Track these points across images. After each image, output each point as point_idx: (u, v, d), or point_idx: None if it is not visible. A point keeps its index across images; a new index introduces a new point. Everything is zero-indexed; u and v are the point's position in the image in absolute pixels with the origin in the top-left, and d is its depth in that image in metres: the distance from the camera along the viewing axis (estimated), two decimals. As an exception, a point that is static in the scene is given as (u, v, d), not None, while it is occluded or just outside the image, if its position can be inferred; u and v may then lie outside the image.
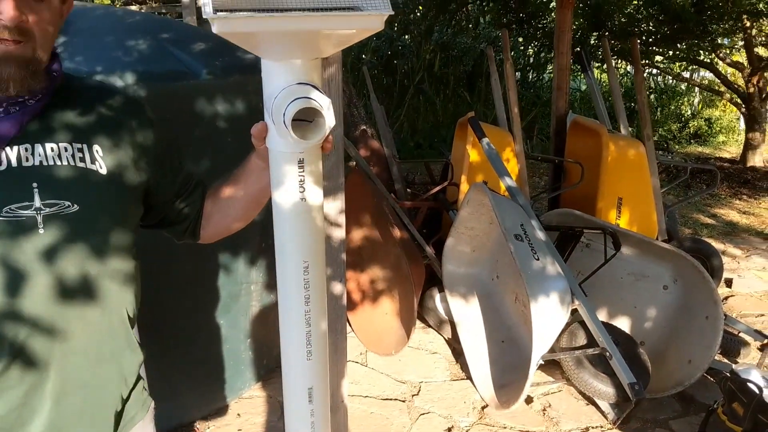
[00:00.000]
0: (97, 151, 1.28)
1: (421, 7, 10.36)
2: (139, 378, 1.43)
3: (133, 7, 6.95)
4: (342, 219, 2.42)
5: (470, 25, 11.05)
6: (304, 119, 1.14)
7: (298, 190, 1.24)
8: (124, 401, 1.37)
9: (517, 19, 9.07)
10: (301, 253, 1.30)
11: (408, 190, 4.83)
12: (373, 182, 4.11)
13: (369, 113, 6.61)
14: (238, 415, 3.15)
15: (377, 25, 1.12)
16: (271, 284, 3.29)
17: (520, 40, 10.34)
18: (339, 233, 2.41)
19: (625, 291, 3.68)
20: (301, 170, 1.23)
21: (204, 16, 1.04)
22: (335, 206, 2.39)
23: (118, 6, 7.12)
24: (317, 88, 1.16)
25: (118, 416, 1.35)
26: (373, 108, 5.30)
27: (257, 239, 3.16)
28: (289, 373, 1.44)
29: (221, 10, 1.03)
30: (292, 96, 1.12)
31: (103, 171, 1.27)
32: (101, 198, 1.27)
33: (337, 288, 2.45)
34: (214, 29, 1.04)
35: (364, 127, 5.06)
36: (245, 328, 3.19)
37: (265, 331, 3.37)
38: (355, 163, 4.21)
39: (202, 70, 2.71)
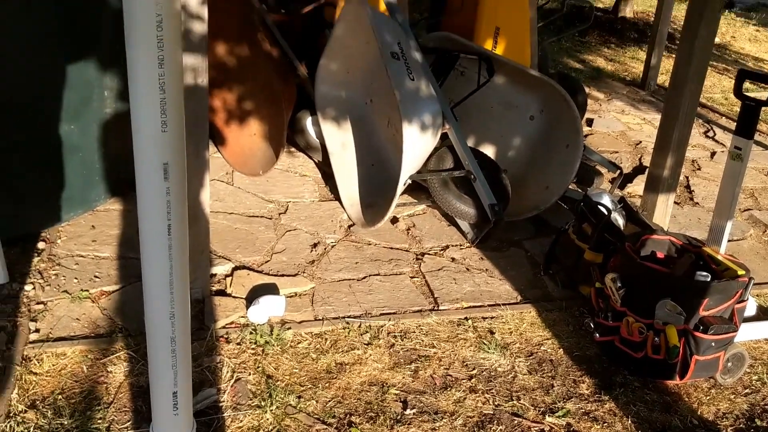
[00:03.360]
0: None
1: None
2: None
3: None
4: (204, 12, 2.20)
5: None
6: None
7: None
8: None
9: None
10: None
11: (282, 11, 4.53)
12: (243, -8, 3.79)
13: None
14: (93, 227, 2.99)
15: None
16: (126, 92, 3.04)
17: None
18: (200, 27, 2.20)
19: (494, 120, 3.72)
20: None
21: None
22: (197, -4, 2.16)
23: None
24: None
25: None
26: None
27: (109, 40, 2.86)
28: (142, 147, 1.32)
29: None
30: None
31: None
32: None
33: (199, 82, 2.27)
34: None
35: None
36: (98, 137, 2.96)
37: (122, 142, 3.14)
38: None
39: None
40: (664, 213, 3.55)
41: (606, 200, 3.10)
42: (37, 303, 2.49)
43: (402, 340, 2.52)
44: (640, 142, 4.90)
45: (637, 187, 4.00)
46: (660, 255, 2.66)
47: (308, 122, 3.85)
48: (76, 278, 2.65)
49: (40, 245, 2.80)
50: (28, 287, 2.56)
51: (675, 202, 3.76)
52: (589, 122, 5.13)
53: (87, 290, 2.58)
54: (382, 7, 3.58)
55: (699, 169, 4.56)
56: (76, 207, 2.99)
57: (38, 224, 2.86)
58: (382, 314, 2.67)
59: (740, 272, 2.42)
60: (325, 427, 2.07)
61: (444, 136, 3.30)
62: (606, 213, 2.90)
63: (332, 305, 2.70)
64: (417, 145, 3.08)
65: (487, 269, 3.09)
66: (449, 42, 3.66)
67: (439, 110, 3.19)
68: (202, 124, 2.36)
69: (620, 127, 5.20)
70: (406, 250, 3.19)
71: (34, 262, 2.72)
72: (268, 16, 3.78)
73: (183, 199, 1.41)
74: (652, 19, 7.91)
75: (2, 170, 2.64)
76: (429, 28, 4.78)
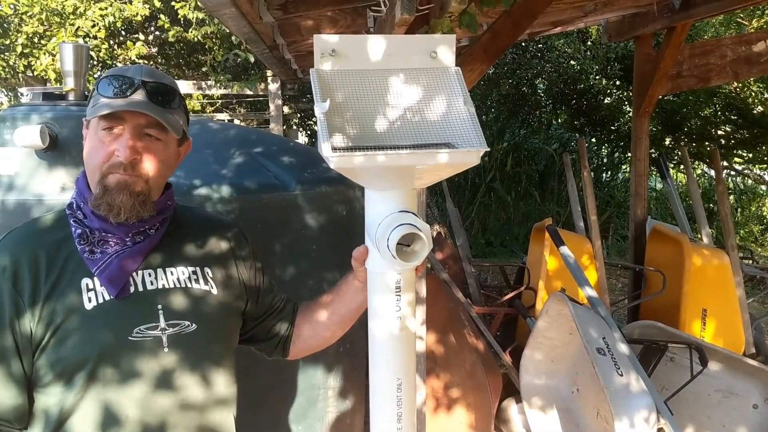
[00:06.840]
0: (208, 273, 1.39)
1: (493, 110, 10.59)
2: None
3: (223, 115, 7.39)
4: (423, 331, 2.44)
5: (542, 127, 11.19)
6: (402, 243, 1.22)
7: (394, 310, 1.30)
8: None
9: (590, 121, 9.16)
10: (396, 371, 1.34)
11: (482, 291, 4.82)
12: (448, 287, 4.12)
13: (441, 211, 6.71)
14: None
15: (474, 160, 1.20)
16: (346, 390, 3.29)
17: (593, 140, 10.39)
18: (420, 346, 2.43)
19: (713, 409, 3.51)
20: (398, 291, 1.30)
21: (323, 155, 1.13)
22: (417, 318, 2.42)
23: (209, 112, 7.57)
24: (416, 215, 1.23)
25: None
26: (448, 210, 5.38)
27: (335, 345, 3.18)
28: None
29: (338, 149, 1.13)
30: (396, 223, 1.21)
31: (215, 291, 1.38)
32: (215, 317, 1.38)
33: (417, 401, 2.44)
34: (332, 165, 1.14)
35: (438, 229, 5.13)
36: (319, 434, 3.18)
37: (341, 438, 3.34)
38: (430, 266, 4.25)
39: (292, 182, 2.84)
40: None
41: None
42: None
43: None
44: None
45: None
46: None
47: (514, 411, 3.86)
48: None
49: None
50: None
51: None
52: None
53: None
54: (582, 296, 3.71)
55: None
56: (297, 505, 3.14)
57: None
58: None
59: None
60: None
61: (660, 431, 3.15)
62: None
63: None
64: (632, 444, 2.97)
65: None
66: (655, 330, 3.64)
67: (652, 405, 3.09)
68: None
69: None
70: None
71: None
72: (472, 309, 4.04)
73: None
74: None
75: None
76: (630, 310, 4.79)
